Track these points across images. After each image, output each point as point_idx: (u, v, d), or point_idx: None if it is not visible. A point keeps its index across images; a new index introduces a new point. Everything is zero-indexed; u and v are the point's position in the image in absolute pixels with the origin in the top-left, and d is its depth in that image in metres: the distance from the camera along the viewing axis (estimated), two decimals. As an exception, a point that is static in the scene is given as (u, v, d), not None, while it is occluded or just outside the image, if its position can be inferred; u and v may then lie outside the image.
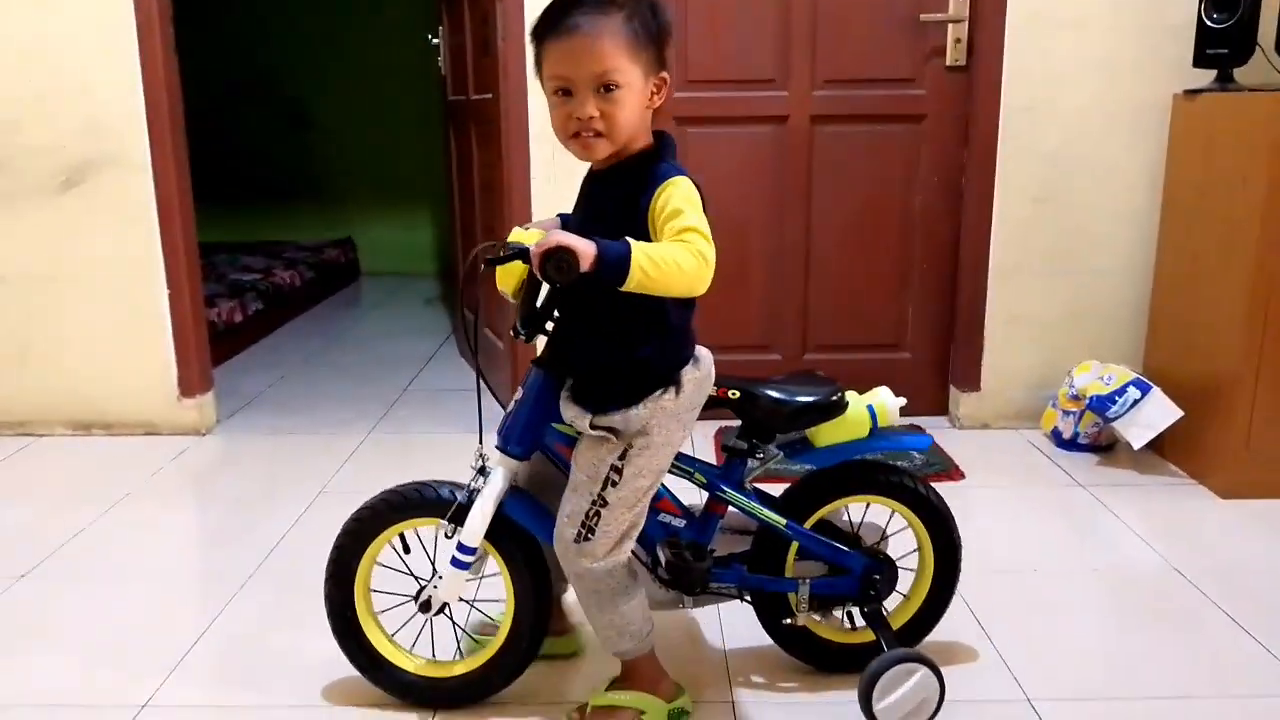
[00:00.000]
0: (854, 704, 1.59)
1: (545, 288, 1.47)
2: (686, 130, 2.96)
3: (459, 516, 1.56)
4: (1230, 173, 2.49)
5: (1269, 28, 2.50)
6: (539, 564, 1.62)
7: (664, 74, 1.43)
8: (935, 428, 3.03)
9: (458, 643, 1.77)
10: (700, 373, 1.53)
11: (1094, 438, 2.81)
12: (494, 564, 1.64)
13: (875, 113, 2.96)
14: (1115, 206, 2.90)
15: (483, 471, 1.58)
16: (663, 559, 1.56)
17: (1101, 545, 2.31)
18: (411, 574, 1.65)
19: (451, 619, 1.71)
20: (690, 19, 2.90)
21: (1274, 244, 2.37)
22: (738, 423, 1.64)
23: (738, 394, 1.59)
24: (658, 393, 1.47)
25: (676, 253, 1.31)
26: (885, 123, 2.97)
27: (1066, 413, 2.83)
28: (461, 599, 1.63)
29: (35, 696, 1.74)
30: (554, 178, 2.90)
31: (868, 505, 1.71)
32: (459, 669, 1.67)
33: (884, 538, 1.72)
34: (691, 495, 1.67)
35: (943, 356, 3.12)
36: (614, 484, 1.48)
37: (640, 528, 1.55)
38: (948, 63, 2.91)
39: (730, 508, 1.63)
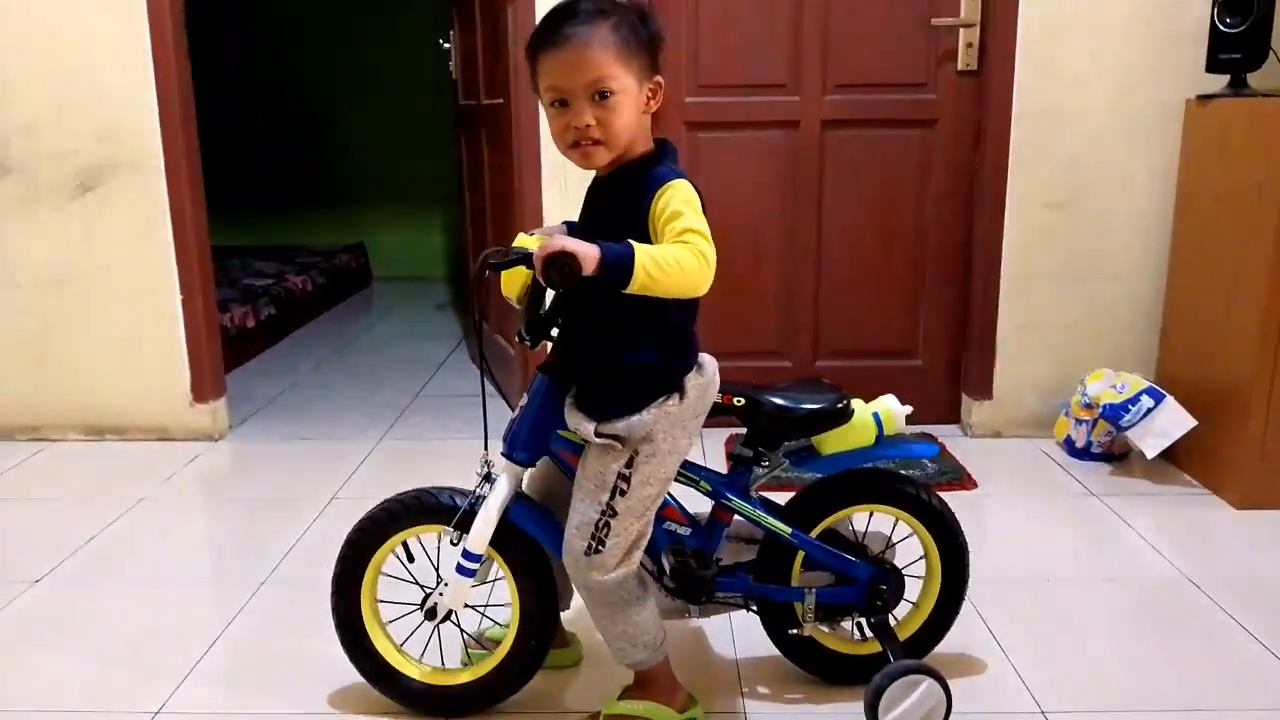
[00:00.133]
0: (861, 715, 1.57)
1: (550, 293, 1.48)
2: (698, 135, 2.96)
3: (464, 523, 1.56)
4: (1244, 178, 2.47)
5: (1284, 32, 2.48)
6: (544, 570, 1.62)
7: (658, 78, 1.45)
8: (947, 436, 3.02)
9: (465, 648, 1.77)
10: (704, 379, 1.52)
11: (1107, 446, 2.79)
12: (499, 569, 1.63)
13: (887, 118, 2.95)
14: (1128, 213, 2.88)
15: (488, 478, 1.58)
16: (668, 567, 1.56)
17: (1115, 555, 2.29)
18: (417, 582, 1.65)
19: (458, 626, 1.70)
20: (701, 23, 2.90)
21: (1289, 251, 2.35)
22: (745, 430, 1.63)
23: (743, 401, 1.58)
24: (661, 399, 1.47)
25: (678, 253, 1.32)
26: (897, 128, 2.96)
27: (1079, 421, 2.81)
28: (467, 605, 1.63)
29: (49, 701, 1.75)
30: (565, 182, 2.90)
31: (872, 514, 1.70)
32: (465, 677, 1.67)
33: (890, 546, 1.71)
34: (697, 503, 1.66)
35: (954, 364, 3.10)
36: (622, 493, 1.48)
37: (648, 537, 1.54)
38: (959, 67, 2.90)
39: (736, 516, 1.63)
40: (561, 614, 1.74)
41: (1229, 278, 2.53)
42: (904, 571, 1.68)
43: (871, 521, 1.72)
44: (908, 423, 1.66)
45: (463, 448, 2.96)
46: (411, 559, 1.64)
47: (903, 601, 1.70)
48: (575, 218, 1.65)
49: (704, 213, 1.38)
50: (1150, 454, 2.62)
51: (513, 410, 1.60)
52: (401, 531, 1.62)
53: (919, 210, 3.01)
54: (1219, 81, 2.61)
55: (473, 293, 3.76)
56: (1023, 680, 1.77)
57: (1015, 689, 1.75)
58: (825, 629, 1.72)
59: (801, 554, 1.65)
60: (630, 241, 1.31)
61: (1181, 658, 1.85)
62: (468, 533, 1.55)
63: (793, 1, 2.88)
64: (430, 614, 1.62)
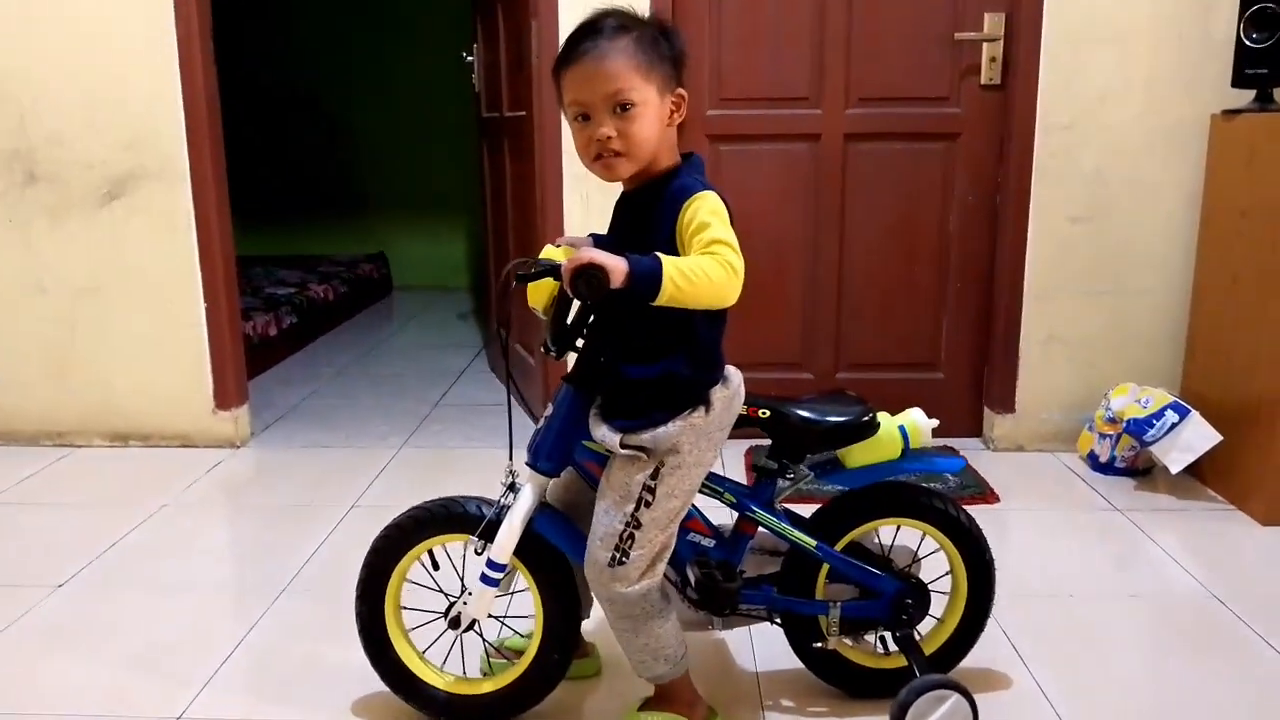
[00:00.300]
0: (885, 729, 1.57)
1: (576, 304, 1.48)
2: (720, 148, 2.96)
3: (488, 533, 1.56)
4: (1270, 193, 2.45)
5: (1312, 47, 2.47)
6: (568, 581, 1.62)
7: (681, 91, 1.45)
8: (969, 450, 3.00)
9: (485, 657, 1.77)
10: (729, 391, 1.52)
11: (1131, 461, 2.77)
12: (523, 580, 1.63)
13: (910, 131, 2.95)
14: (1153, 227, 2.86)
15: (512, 488, 1.59)
16: (692, 579, 1.55)
17: (1139, 571, 2.28)
18: (441, 590, 1.65)
19: (481, 635, 1.71)
20: (724, 36, 2.91)
21: (1317, 266, 2.34)
22: (768, 442, 1.63)
23: (768, 413, 1.58)
24: (687, 411, 1.47)
25: (706, 264, 1.32)
26: (920, 141, 2.96)
27: (1103, 436, 2.79)
28: (491, 615, 1.63)
29: (70, 706, 1.76)
30: (586, 194, 2.91)
31: (899, 527, 1.69)
32: (488, 687, 1.67)
33: (916, 560, 1.70)
34: (721, 515, 1.66)
35: (977, 377, 3.09)
36: (647, 504, 1.48)
37: (671, 549, 1.54)
38: (983, 81, 2.89)
39: (760, 528, 1.62)
40: (582, 624, 1.75)
41: (1255, 292, 2.51)
42: (930, 586, 1.67)
43: (898, 536, 1.71)
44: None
45: (483, 456, 2.97)
46: (437, 567, 1.64)
47: (927, 616, 1.69)
48: (597, 229, 1.66)
49: (731, 224, 1.39)
50: (1175, 469, 2.60)
51: (533, 420, 1.61)
52: (427, 540, 1.62)
53: (942, 223, 3.00)
54: (1245, 96, 2.60)
55: (495, 303, 3.77)
56: (1046, 696, 1.76)
57: (1039, 704, 1.74)
58: (849, 642, 1.71)
59: (826, 567, 1.64)
60: (658, 254, 1.32)
61: (1206, 673, 1.84)
62: (492, 542, 1.55)
63: (815, 14, 2.89)
64: (454, 623, 1.62)
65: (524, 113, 3.12)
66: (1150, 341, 2.92)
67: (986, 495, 2.65)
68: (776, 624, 1.70)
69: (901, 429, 1.62)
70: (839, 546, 1.65)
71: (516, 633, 1.81)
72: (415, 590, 1.67)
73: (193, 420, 3.07)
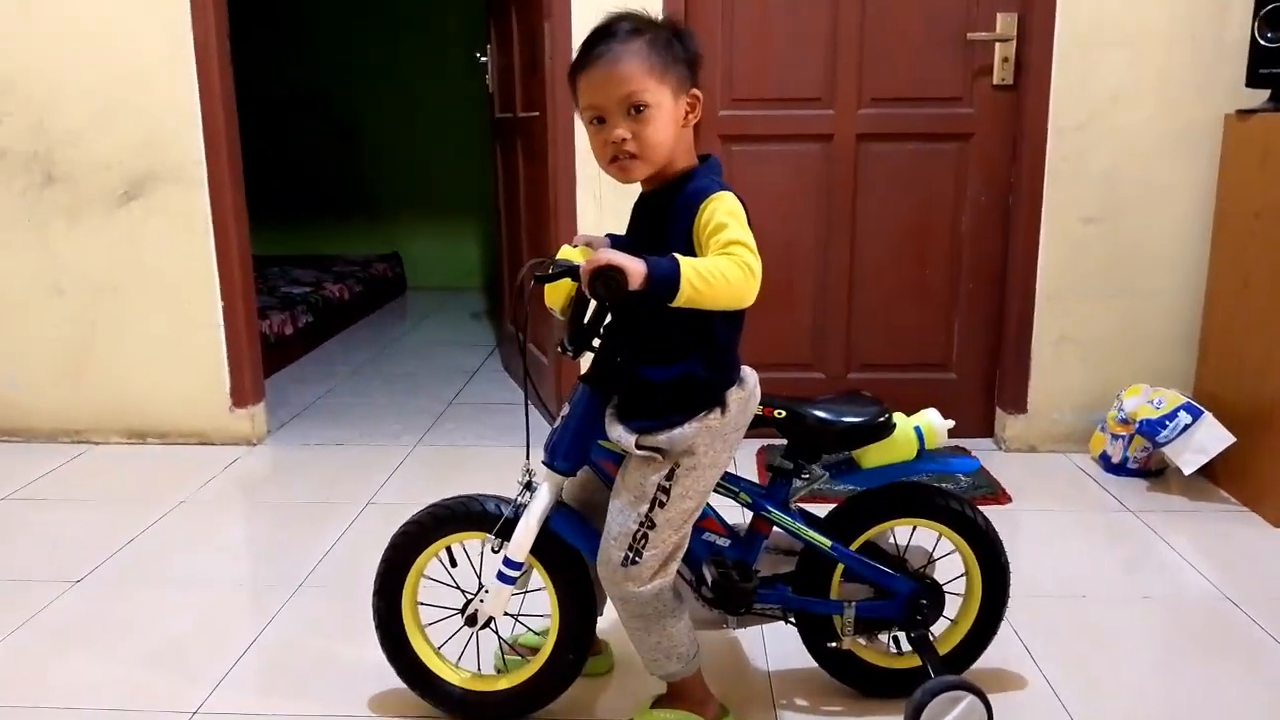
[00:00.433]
0: (898, 729, 1.58)
1: (593, 305, 1.49)
2: (731, 148, 2.97)
3: (506, 531, 1.58)
4: (1286, 195, 2.45)
5: (1327, 48, 2.46)
6: (584, 579, 1.63)
7: (696, 92, 1.46)
8: (981, 450, 3.00)
9: (500, 654, 1.79)
10: (745, 392, 1.53)
11: (1143, 462, 2.77)
12: (539, 579, 1.65)
13: (922, 131, 2.96)
14: (1166, 228, 2.86)
15: (529, 487, 1.60)
16: (708, 578, 1.56)
17: (1152, 572, 2.28)
18: (458, 587, 1.67)
19: (497, 633, 1.72)
20: (736, 36, 2.92)
21: (1332, 267, 2.33)
22: (782, 441, 1.64)
23: (784, 413, 1.59)
24: (703, 412, 1.48)
25: (723, 266, 1.33)
26: (932, 141, 2.96)
27: (1115, 437, 2.79)
28: (506, 613, 1.64)
29: (87, 701, 1.78)
30: (600, 195, 2.92)
31: (914, 528, 1.70)
32: (504, 684, 1.68)
33: (931, 561, 1.71)
34: (736, 514, 1.67)
35: (989, 378, 3.09)
36: (661, 505, 1.49)
37: (684, 549, 1.55)
38: (995, 81, 2.90)
39: (775, 528, 1.63)
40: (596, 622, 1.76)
41: (1268, 294, 2.51)
42: (944, 587, 1.68)
43: (913, 536, 1.71)
44: (944, 437, 1.66)
45: (497, 454, 2.99)
46: (454, 564, 1.65)
47: (941, 617, 1.69)
48: (610, 230, 1.67)
49: (748, 224, 1.39)
50: (1187, 470, 2.60)
51: (548, 420, 1.61)
52: (445, 537, 1.63)
53: (954, 223, 3.00)
54: (1259, 96, 2.60)
55: (512, 303, 3.79)
56: (1058, 696, 1.76)
57: (1052, 706, 1.74)
58: (863, 642, 1.71)
59: (841, 567, 1.65)
60: (675, 255, 1.32)
61: (1218, 675, 1.84)
62: (509, 540, 1.57)
63: (828, 15, 2.89)
64: (470, 620, 1.63)
65: (537, 114, 3.13)
66: (1163, 343, 2.92)
67: (998, 496, 2.65)
68: (791, 623, 1.70)
69: (917, 430, 1.62)
70: (854, 546, 1.65)
71: (532, 630, 1.82)
72: (432, 587, 1.69)
73: (209, 418, 3.09)
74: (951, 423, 1.65)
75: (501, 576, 1.58)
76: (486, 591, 1.61)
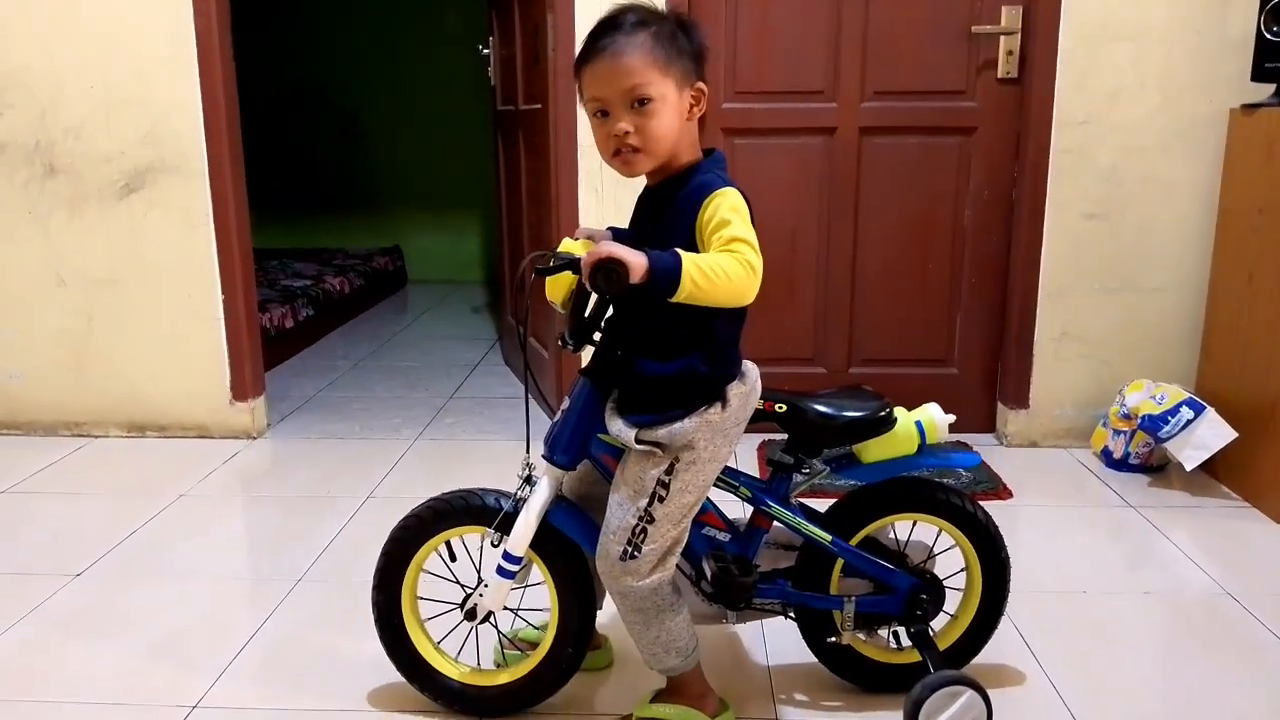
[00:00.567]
0: (898, 724, 1.58)
1: (594, 298, 1.48)
2: (734, 141, 2.96)
3: (505, 525, 1.57)
4: (1290, 190, 2.44)
5: (1332, 42, 2.45)
6: (583, 574, 1.62)
7: (700, 85, 1.45)
8: (982, 445, 3.00)
9: (499, 648, 1.78)
10: (746, 387, 1.52)
11: (1145, 458, 2.77)
12: (538, 573, 1.64)
13: (925, 125, 2.95)
14: (1169, 223, 2.85)
15: (529, 481, 1.59)
16: (708, 572, 1.56)
17: (1152, 568, 2.27)
18: (458, 581, 1.66)
19: (496, 627, 1.72)
20: (740, 29, 2.91)
21: (1335, 263, 2.33)
22: (783, 436, 1.64)
23: (784, 408, 1.58)
24: (704, 407, 1.48)
25: (725, 262, 1.32)
26: (935, 135, 2.96)
27: (1117, 432, 2.79)
28: (506, 608, 1.64)
29: (88, 694, 1.78)
30: (601, 188, 2.92)
31: (915, 523, 1.70)
32: (503, 678, 1.68)
33: (931, 556, 1.70)
34: (736, 509, 1.66)
35: (991, 373, 3.09)
36: (660, 499, 1.48)
37: (683, 544, 1.55)
38: (999, 75, 2.89)
39: (775, 523, 1.63)
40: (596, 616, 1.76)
41: (1271, 290, 2.50)
42: (945, 582, 1.68)
43: (914, 531, 1.71)
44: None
45: (497, 448, 2.99)
46: (454, 558, 1.65)
47: (941, 612, 1.69)
48: (611, 223, 1.67)
49: (752, 221, 1.39)
50: (1189, 466, 2.60)
51: (548, 414, 1.61)
52: (445, 531, 1.63)
53: (957, 218, 2.99)
54: (1264, 90, 2.59)
55: (513, 296, 3.78)
56: (1058, 692, 1.76)
57: (1052, 701, 1.74)
58: (863, 637, 1.71)
59: (841, 562, 1.65)
60: (678, 250, 1.32)
61: (1219, 672, 1.84)
62: (509, 534, 1.56)
63: (831, 8, 2.89)
64: (470, 614, 1.63)
65: (539, 106, 3.12)
66: (1165, 338, 2.91)
67: (999, 491, 2.65)
68: (790, 618, 1.70)
69: (918, 424, 1.62)
70: (854, 541, 1.65)
71: (531, 625, 1.82)
72: (432, 581, 1.68)
73: (210, 411, 3.09)
74: (952, 418, 1.64)
75: (501, 571, 1.58)
76: (486, 586, 1.61)
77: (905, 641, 1.71)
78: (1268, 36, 2.52)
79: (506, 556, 1.57)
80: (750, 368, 1.56)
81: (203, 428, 3.11)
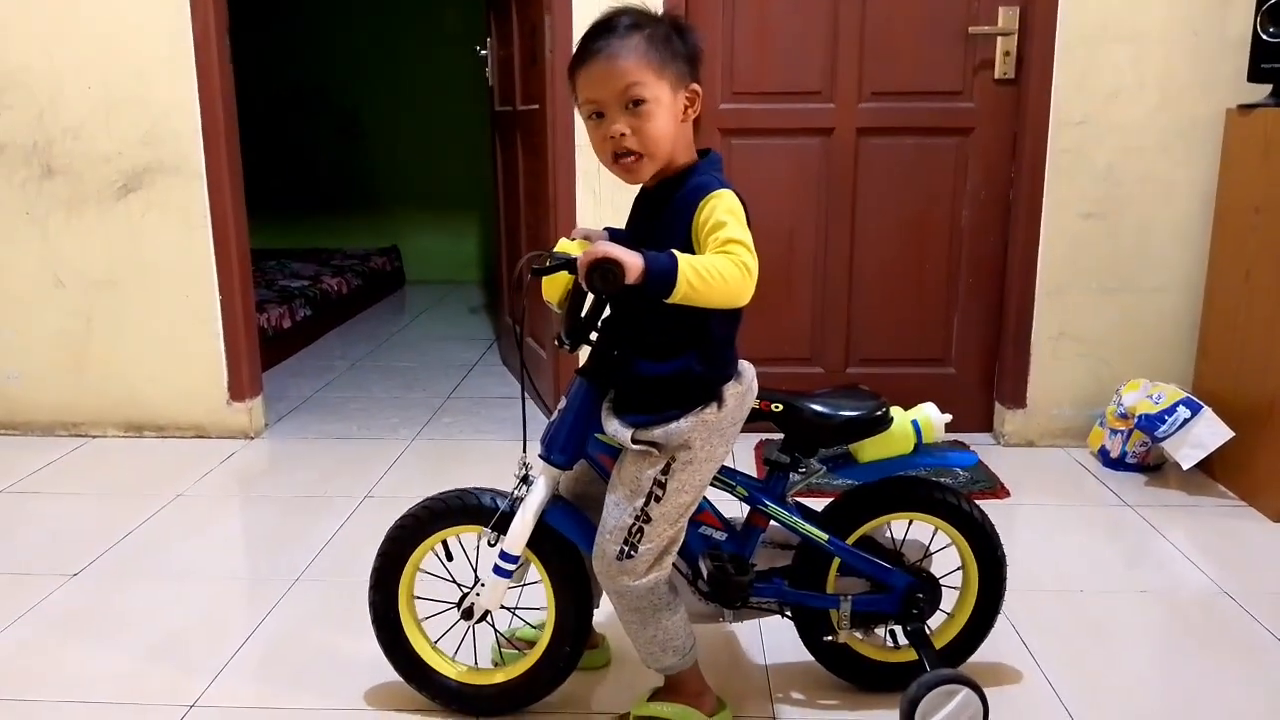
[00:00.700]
0: (895, 722, 1.58)
1: (590, 298, 1.49)
2: (731, 141, 2.97)
3: (502, 524, 1.57)
4: (1287, 190, 2.45)
5: (1328, 42, 2.46)
6: (580, 573, 1.63)
7: (695, 86, 1.45)
8: (980, 445, 3.00)
9: (497, 648, 1.79)
10: (742, 387, 1.53)
11: (1142, 457, 2.77)
12: (535, 572, 1.65)
13: (922, 125, 2.95)
14: (1166, 223, 2.86)
15: (526, 480, 1.60)
16: (704, 571, 1.56)
17: (1149, 567, 2.28)
18: (454, 581, 1.66)
19: (493, 626, 1.72)
20: (737, 30, 2.91)
21: (1332, 263, 2.33)
22: (780, 435, 1.64)
23: (781, 407, 1.59)
24: (700, 407, 1.48)
25: (720, 264, 1.32)
26: (932, 135, 2.96)
27: (1114, 431, 2.79)
28: (503, 606, 1.64)
29: (86, 694, 1.78)
30: (599, 189, 2.92)
31: (911, 522, 1.70)
32: (500, 677, 1.68)
33: (927, 555, 1.70)
34: (733, 508, 1.67)
35: (988, 373, 3.09)
36: (657, 499, 1.48)
37: (680, 543, 1.55)
38: (996, 75, 2.89)
39: (772, 522, 1.63)
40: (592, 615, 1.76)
41: (1268, 289, 2.51)
42: (941, 581, 1.68)
43: (910, 530, 1.71)
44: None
45: (494, 448, 2.99)
46: (450, 558, 1.65)
47: (938, 611, 1.69)
48: (609, 223, 1.67)
49: (748, 223, 1.39)
50: (1186, 465, 2.60)
51: (545, 413, 1.61)
52: (441, 530, 1.63)
53: (954, 218, 3.00)
54: (1261, 91, 2.60)
55: (510, 296, 3.78)
56: (1055, 691, 1.76)
57: (1048, 700, 1.74)
58: (860, 636, 1.71)
59: (837, 561, 1.65)
60: (674, 251, 1.32)
61: (1216, 671, 1.84)
62: (506, 534, 1.56)
63: (829, 8, 2.89)
64: (467, 613, 1.63)
65: (537, 107, 3.12)
66: (1162, 338, 2.92)
67: (997, 490, 2.65)
68: (787, 617, 1.70)
69: (914, 424, 1.62)
70: (850, 540, 1.65)
71: (528, 624, 1.83)
72: (428, 580, 1.69)
73: (207, 411, 3.09)
74: (949, 417, 1.65)
75: (498, 570, 1.58)
76: (482, 585, 1.61)
77: (902, 640, 1.71)
78: (1264, 37, 2.52)
79: (503, 556, 1.57)
80: (746, 367, 1.56)
81: (200, 428, 3.11)
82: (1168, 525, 2.46)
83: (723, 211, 1.37)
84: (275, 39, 5.62)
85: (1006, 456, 2.92)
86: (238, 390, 3.08)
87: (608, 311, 1.53)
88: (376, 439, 3.10)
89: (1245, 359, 2.61)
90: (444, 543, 1.65)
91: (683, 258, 1.31)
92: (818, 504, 1.70)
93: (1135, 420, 2.68)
